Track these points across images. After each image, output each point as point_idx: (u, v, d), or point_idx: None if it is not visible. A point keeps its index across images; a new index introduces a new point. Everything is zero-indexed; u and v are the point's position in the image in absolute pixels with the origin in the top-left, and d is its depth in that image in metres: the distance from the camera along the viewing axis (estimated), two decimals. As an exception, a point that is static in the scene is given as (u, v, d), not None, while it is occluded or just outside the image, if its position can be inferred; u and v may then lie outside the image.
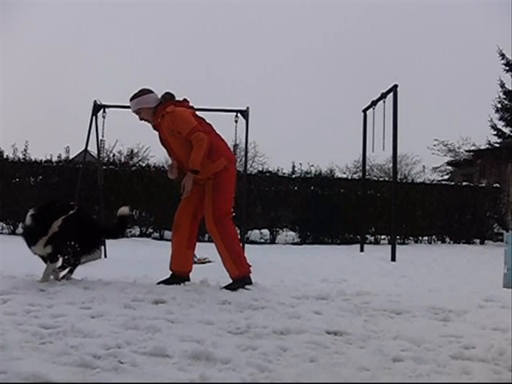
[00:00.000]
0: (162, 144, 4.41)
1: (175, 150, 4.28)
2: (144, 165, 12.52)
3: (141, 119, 4.39)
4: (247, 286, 4.06)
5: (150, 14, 43.50)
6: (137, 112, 4.36)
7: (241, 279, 4.14)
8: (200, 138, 4.09)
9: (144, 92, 4.35)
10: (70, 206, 4.13)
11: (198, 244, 4.48)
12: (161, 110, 4.26)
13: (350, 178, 14.08)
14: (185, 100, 4.43)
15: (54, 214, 4.01)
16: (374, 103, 9.86)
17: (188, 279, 4.30)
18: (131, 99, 4.36)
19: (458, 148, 22.45)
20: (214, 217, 4.18)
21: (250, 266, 4.26)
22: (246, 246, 6.60)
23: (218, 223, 4.18)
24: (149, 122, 4.38)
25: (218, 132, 4.41)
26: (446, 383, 2.00)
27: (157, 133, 4.41)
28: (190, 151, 4.12)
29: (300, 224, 12.41)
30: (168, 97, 4.36)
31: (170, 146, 4.30)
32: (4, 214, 11.16)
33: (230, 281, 4.16)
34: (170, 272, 4.32)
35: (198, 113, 4.54)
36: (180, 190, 4.21)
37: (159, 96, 4.39)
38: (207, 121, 4.42)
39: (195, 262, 4.52)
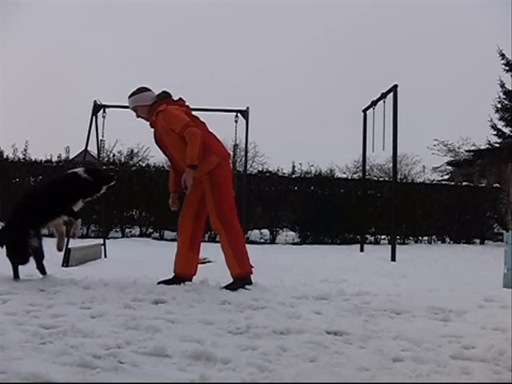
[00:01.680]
0: (157, 143, 4.45)
1: (170, 148, 4.31)
2: (144, 165, 12.53)
3: (138, 116, 4.48)
4: (247, 286, 4.06)
5: (150, 13, 43.50)
6: (134, 109, 4.45)
7: (241, 278, 4.14)
8: (193, 133, 4.12)
9: (141, 90, 4.43)
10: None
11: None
12: (155, 109, 4.32)
13: (350, 178, 14.09)
14: (180, 99, 4.48)
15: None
16: (373, 103, 9.86)
17: (189, 280, 4.30)
18: (129, 97, 4.45)
19: (458, 148, 22.40)
20: (219, 215, 4.20)
21: (252, 266, 4.27)
22: (246, 245, 6.58)
23: (222, 221, 4.20)
24: (145, 119, 4.46)
25: (211, 130, 4.45)
26: (446, 383, 2.00)
27: (153, 131, 4.46)
28: (185, 149, 4.15)
29: (300, 224, 12.41)
30: (164, 95, 4.42)
31: (165, 144, 4.33)
32: (4, 214, 11.15)
33: (231, 280, 4.16)
34: (173, 273, 4.32)
35: (198, 113, 4.59)
36: (182, 188, 4.23)
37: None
38: (201, 119, 4.47)
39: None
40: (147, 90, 4.44)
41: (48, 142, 28.24)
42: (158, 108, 4.29)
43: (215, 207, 4.21)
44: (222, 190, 4.25)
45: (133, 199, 11.49)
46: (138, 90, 4.43)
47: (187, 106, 4.48)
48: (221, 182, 4.25)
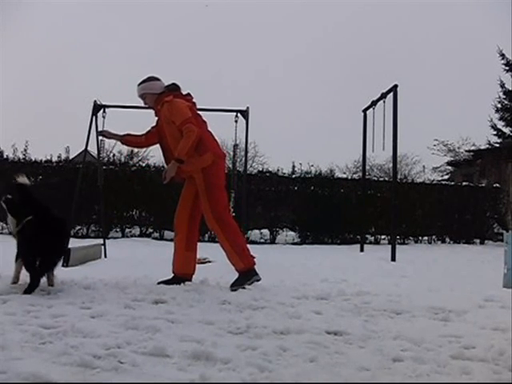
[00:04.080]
0: (157, 132, 4.50)
1: (169, 138, 4.35)
2: (144, 165, 12.53)
3: (145, 104, 4.56)
4: (247, 286, 4.07)
5: (150, 13, 43.49)
6: (142, 97, 4.51)
7: (246, 272, 4.20)
8: (190, 130, 4.18)
9: (151, 79, 4.52)
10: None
11: (198, 244, 4.48)
12: (162, 98, 4.38)
13: (350, 178, 14.07)
14: (188, 94, 4.54)
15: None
16: (374, 103, 9.85)
17: (189, 280, 4.31)
18: (139, 84, 4.51)
19: (458, 148, 22.42)
20: (214, 214, 4.24)
21: (253, 257, 4.32)
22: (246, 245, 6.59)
23: (218, 219, 4.24)
24: (151, 108, 4.52)
25: (210, 130, 4.51)
26: (445, 383, 2.00)
27: (156, 119, 4.53)
28: None
29: (300, 224, 12.40)
30: (172, 87, 4.49)
31: (165, 133, 4.39)
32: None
33: (232, 280, 4.19)
34: (172, 274, 4.33)
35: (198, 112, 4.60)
36: (162, 177, 4.27)
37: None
38: (203, 118, 4.53)
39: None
40: (157, 79, 4.52)
41: (48, 142, 28.22)
42: (164, 98, 4.35)
43: (210, 207, 4.25)
44: (216, 190, 4.30)
45: (133, 199, 11.49)
46: (148, 78, 4.51)
47: (194, 103, 4.54)
48: (215, 182, 4.31)
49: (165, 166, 4.55)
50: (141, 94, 4.50)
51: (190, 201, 4.39)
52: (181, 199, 4.44)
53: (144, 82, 4.49)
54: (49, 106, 37.78)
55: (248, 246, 4.42)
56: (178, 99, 4.36)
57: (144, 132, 4.62)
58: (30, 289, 3.44)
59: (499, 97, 20.05)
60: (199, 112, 4.59)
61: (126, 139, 4.60)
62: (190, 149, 4.18)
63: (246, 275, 4.19)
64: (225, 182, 4.47)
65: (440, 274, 6.22)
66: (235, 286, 4.07)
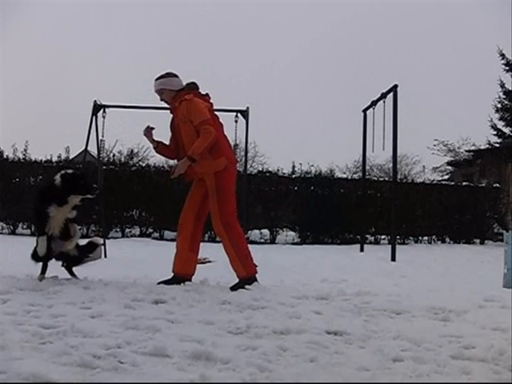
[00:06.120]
0: (172, 129, 4.50)
1: (184, 136, 4.33)
2: (144, 165, 12.53)
3: (161, 100, 4.52)
4: (247, 286, 4.07)
5: (149, 13, 43.48)
6: (159, 92, 4.47)
7: (247, 279, 4.18)
8: (208, 131, 4.18)
9: (170, 75, 4.49)
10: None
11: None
12: (181, 96, 4.35)
13: (350, 178, 14.07)
14: (207, 94, 4.53)
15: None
16: (374, 103, 9.85)
17: (189, 280, 4.30)
18: (156, 79, 4.47)
19: (458, 148, 22.40)
20: (222, 219, 4.24)
21: (256, 266, 4.31)
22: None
23: (225, 224, 4.24)
24: (167, 103, 4.50)
25: (225, 133, 4.51)
26: (446, 383, 2.00)
27: (171, 116, 4.52)
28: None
29: (300, 224, 12.41)
30: (192, 86, 4.48)
31: (179, 131, 4.37)
32: (4, 214, 11.16)
33: (233, 281, 4.19)
34: (172, 273, 4.32)
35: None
36: (171, 171, 4.29)
37: (184, 83, 4.51)
38: (220, 120, 4.53)
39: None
40: (175, 75, 4.50)
41: (48, 141, 28.20)
42: (184, 96, 4.33)
43: (219, 210, 4.24)
44: (226, 194, 4.29)
45: (133, 199, 11.49)
46: (167, 74, 4.48)
47: (211, 104, 4.53)
48: (226, 187, 4.30)
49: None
50: (158, 88, 4.44)
51: (197, 202, 4.37)
52: (188, 199, 4.43)
53: (162, 77, 4.45)
54: (49, 106, 37.77)
55: (248, 246, 4.41)
56: (197, 99, 4.34)
57: (168, 143, 4.59)
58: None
59: (499, 97, 20.03)
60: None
61: (160, 147, 4.53)
62: (205, 150, 4.17)
63: (247, 282, 4.15)
64: (235, 188, 4.43)
65: (440, 274, 6.23)
66: (234, 290, 4.04)
